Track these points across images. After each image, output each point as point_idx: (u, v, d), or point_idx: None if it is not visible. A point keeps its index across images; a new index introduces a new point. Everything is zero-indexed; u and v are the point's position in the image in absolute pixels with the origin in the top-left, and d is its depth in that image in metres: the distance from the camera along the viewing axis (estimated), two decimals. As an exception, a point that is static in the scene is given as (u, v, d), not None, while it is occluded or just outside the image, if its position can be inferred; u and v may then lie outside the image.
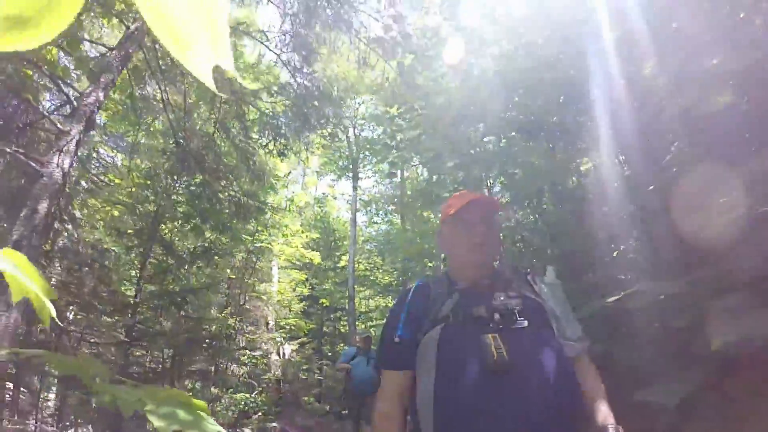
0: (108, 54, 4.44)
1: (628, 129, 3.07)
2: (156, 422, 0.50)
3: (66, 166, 3.49)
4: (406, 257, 11.53)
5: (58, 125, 3.66)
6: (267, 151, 6.55)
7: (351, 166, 18.97)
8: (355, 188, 19.00)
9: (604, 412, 1.45)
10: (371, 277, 19.45)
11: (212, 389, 8.16)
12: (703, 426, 2.04)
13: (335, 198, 23.69)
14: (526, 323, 1.48)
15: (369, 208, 20.12)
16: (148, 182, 7.00)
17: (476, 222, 1.67)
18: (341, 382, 13.99)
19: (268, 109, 6.30)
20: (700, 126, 2.67)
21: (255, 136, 6.57)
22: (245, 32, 5.58)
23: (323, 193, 23.36)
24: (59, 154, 3.54)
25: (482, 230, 1.66)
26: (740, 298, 1.89)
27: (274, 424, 8.44)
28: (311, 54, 5.26)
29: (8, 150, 3.64)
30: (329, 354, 16.46)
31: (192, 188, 7.16)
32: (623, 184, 3.45)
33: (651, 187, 3.00)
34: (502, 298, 1.52)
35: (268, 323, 11.45)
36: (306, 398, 11.00)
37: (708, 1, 2.76)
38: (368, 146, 16.64)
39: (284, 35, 5.52)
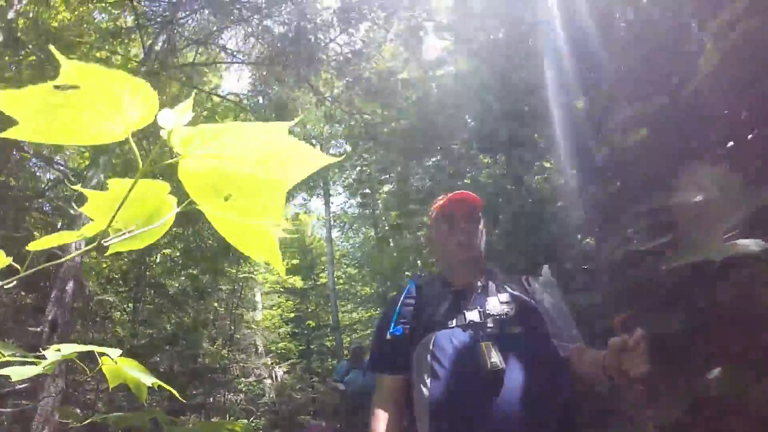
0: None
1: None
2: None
3: (82, 245, 3.92)
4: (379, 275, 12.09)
5: (72, 211, 4.08)
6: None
7: (322, 184, 19.48)
8: (327, 205, 19.52)
9: (597, 354, 1.44)
10: (352, 291, 19.86)
11: (213, 419, 8.50)
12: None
13: (307, 213, 24.14)
14: (519, 329, 1.49)
15: (343, 225, 20.60)
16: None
17: (459, 220, 1.69)
18: (335, 397, 14.43)
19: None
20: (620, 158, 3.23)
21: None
22: (219, 95, 6.17)
23: (295, 213, 23.85)
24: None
25: (465, 228, 1.67)
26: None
27: None
28: (283, 111, 5.83)
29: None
30: (319, 371, 16.83)
31: (175, 230, 7.57)
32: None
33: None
34: (495, 303, 1.54)
35: (257, 349, 11.80)
36: (302, 417, 11.35)
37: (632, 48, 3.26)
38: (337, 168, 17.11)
39: (258, 95, 6.14)
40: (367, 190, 10.92)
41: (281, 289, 14.32)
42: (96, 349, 0.94)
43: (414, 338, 1.56)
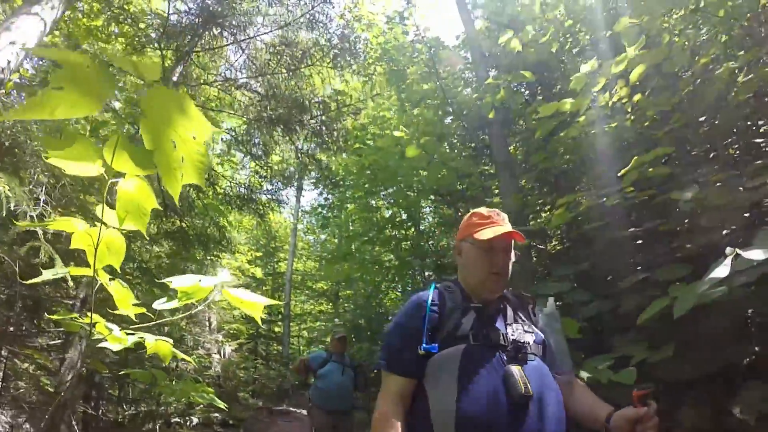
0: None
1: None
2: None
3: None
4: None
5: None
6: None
7: (296, 176, 20.22)
8: (298, 199, 20.25)
9: (600, 404, 1.61)
10: (307, 284, 20.59)
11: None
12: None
13: (277, 203, 24.83)
14: (534, 356, 1.55)
15: (310, 219, 21.32)
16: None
17: (499, 252, 1.69)
18: (274, 380, 15.31)
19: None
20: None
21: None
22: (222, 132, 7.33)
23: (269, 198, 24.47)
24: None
25: (502, 261, 1.68)
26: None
27: (216, 414, 9.71)
28: (268, 149, 7.07)
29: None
30: (264, 353, 17.66)
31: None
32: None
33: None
34: (520, 331, 1.60)
35: (211, 325, 12.68)
36: (242, 394, 12.27)
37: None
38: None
39: (249, 136, 7.38)
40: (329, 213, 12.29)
41: (242, 275, 15.19)
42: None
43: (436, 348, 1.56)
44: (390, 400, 1.56)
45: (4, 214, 3.25)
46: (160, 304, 1.52)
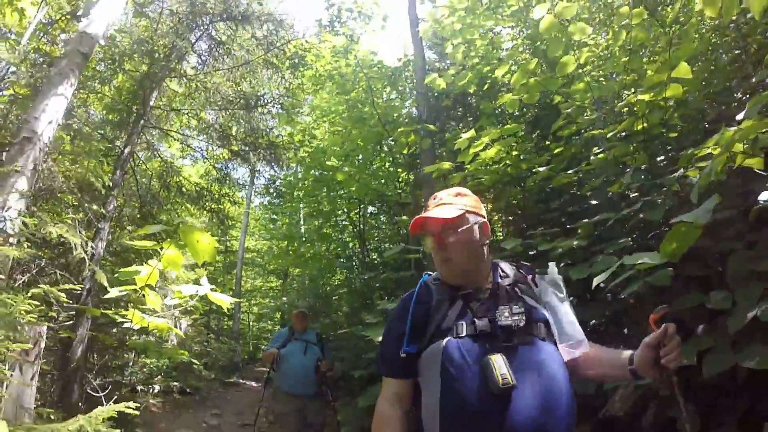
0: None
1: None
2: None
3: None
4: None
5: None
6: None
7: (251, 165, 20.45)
8: (252, 180, 20.61)
9: (618, 353, 1.53)
10: (258, 262, 21.65)
11: (125, 355, 10.28)
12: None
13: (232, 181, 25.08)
14: (530, 338, 1.47)
15: (263, 199, 21.89)
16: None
17: (437, 238, 1.63)
18: (226, 354, 16.26)
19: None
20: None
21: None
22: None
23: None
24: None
25: (444, 245, 1.61)
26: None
27: (175, 383, 10.76)
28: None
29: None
30: (215, 329, 18.57)
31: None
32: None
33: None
34: (506, 314, 1.48)
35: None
36: (196, 365, 13.23)
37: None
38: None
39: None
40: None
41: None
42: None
43: (423, 344, 1.54)
44: (385, 401, 1.57)
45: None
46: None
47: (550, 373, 1.42)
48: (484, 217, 1.71)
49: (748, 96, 3.14)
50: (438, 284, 1.66)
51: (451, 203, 1.68)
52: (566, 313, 1.59)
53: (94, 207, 5.89)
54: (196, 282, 2.62)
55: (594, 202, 3.88)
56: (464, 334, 1.47)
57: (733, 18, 3.37)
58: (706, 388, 2.32)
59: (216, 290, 2.92)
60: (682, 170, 2.72)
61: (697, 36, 3.95)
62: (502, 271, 1.69)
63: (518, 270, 1.72)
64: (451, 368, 1.43)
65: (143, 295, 2.59)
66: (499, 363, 1.36)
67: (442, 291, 1.62)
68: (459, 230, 1.61)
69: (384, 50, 31.57)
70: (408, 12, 7.99)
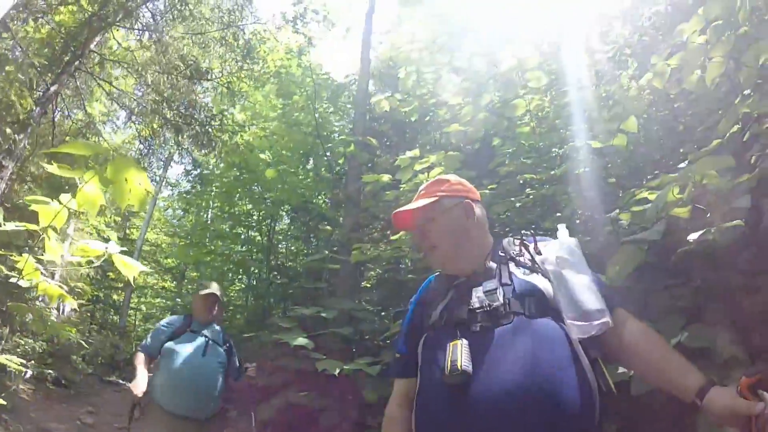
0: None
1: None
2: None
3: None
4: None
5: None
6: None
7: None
8: (165, 168, 19.80)
9: (683, 366, 1.26)
10: (156, 257, 20.73)
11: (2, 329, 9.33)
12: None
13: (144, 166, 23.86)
14: (512, 317, 1.31)
15: (172, 192, 21.23)
16: None
17: (414, 233, 1.65)
18: (107, 350, 15.09)
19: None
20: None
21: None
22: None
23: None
24: None
25: (425, 235, 1.59)
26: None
27: (49, 372, 9.82)
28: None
29: None
30: (99, 320, 17.38)
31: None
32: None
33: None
34: (479, 295, 1.37)
35: (54, 276, 12.55)
36: (74, 356, 12.23)
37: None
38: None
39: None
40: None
41: (96, 235, 14.96)
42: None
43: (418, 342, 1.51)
44: (393, 401, 1.55)
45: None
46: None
47: (538, 354, 1.24)
48: (467, 198, 1.61)
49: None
50: (437, 278, 1.64)
51: (425, 193, 1.63)
52: (575, 281, 1.37)
53: (8, 131, 5.33)
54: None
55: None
56: (442, 324, 1.41)
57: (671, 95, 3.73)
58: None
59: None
60: (617, 211, 2.97)
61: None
62: (502, 250, 1.54)
63: (521, 242, 1.55)
64: (424, 363, 1.42)
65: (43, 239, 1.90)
66: (456, 350, 1.25)
67: (440, 284, 1.58)
68: (432, 217, 1.57)
69: (331, 65, 31.74)
70: (362, 34, 8.48)
